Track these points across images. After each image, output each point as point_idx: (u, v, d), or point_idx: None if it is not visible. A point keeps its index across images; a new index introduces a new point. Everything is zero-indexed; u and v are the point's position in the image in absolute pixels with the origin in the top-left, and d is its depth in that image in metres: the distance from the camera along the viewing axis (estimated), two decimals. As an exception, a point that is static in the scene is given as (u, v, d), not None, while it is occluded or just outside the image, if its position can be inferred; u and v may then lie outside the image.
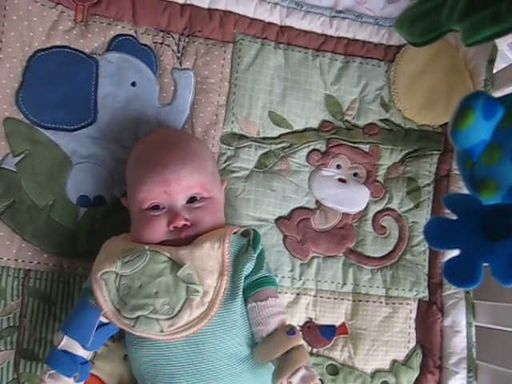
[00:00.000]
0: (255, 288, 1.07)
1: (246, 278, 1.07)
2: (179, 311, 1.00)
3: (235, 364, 1.05)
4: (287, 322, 1.05)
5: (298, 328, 1.27)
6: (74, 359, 1.04)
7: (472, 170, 0.78)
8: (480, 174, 0.77)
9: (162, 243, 1.06)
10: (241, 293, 1.06)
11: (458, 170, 0.84)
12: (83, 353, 1.06)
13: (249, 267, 1.07)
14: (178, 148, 1.12)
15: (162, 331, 1.00)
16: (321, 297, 1.30)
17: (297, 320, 1.28)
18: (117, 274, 1.03)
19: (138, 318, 1.00)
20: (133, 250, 1.04)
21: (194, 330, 1.01)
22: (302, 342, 1.04)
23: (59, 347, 1.04)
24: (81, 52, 1.25)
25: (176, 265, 1.02)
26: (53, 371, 1.03)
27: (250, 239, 1.11)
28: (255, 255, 1.08)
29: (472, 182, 0.79)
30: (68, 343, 1.04)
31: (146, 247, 1.03)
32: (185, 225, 1.06)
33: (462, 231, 0.82)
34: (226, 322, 1.04)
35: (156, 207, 1.08)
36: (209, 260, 1.04)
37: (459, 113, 0.74)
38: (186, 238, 1.06)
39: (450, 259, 0.82)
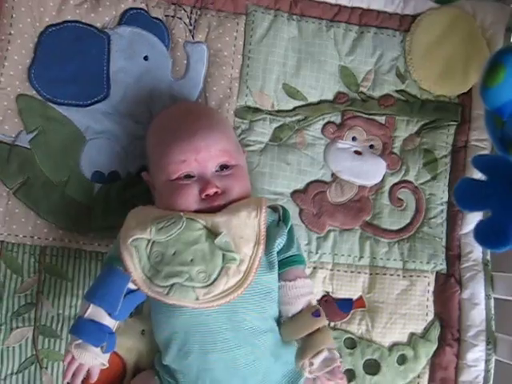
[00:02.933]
0: (285, 266, 1.07)
1: (277, 254, 1.06)
2: (215, 279, 0.99)
3: (259, 335, 1.04)
4: (314, 303, 1.06)
5: (316, 302, 1.26)
6: (102, 328, 1.00)
7: (503, 129, 0.76)
8: (511, 134, 0.75)
9: (195, 211, 1.05)
10: (275, 267, 1.05)
11: (487, 131, 0.82)
12: (110, 322, 1.01)
13: (280, 242, 1.06)
14: (203, 116, 1.12)
15: (197, 299, 0.99)
16: (338, 270, 1.29)
17: (314, 293, 1.26)
18: (148, 240, 1.01)
19: (172, 285, 0.99)
20: (167, 216, 1.02)
21: (229, 299, 1.00)
22: (326, 323, 1.05)
23: (85, 316, 1.00)
24: (92, 26, 1.24)
25: (211, 233, 1.01)
26: (79, 341, 0.98)
27: (279, 215, 1.10)
28: (286, 230, 1.08)
29: (502, 141, 0.77)
30: (94, 312, 1.00)
31: (182, 214, 1.02)
32: (216, 192, 1.05)
33: (492, 192, 0.81)
34: (260, 293, 1.04)
35: (186, 176, 1.07)
36: (245, 228, 1.03)
37: (490, 69, 0.72)
38: (218, 206, 1.05)
39: (481, 221, 0.81)
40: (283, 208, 1.12)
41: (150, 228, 1.00)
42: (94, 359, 1.00)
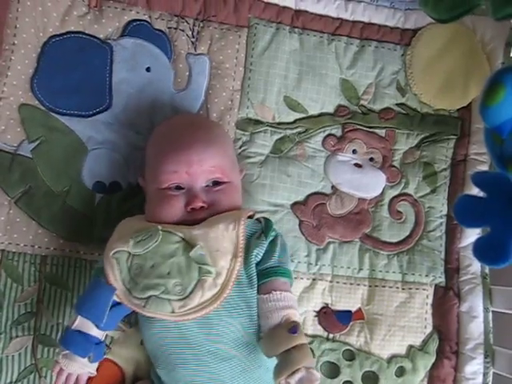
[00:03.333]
0: (262, 278, 1.05)
1: (257, 265, 1.05)
2: (191, 292, 0.99)
3: (241, 349, 1.04)
4: (294, 318, 1.00)
5: (314, 313, 1.27)
6: (88, 339, 1.02)
7: (502, 147, 0.77)
8: (510, 151, 0.76)
9: (177, 223, 1.06)
10: (254, 280, 1.04)
11: (486, 148, 0.82)
12: (97, 333, 1.04)
13: (258, 253, 1.05)
14: (201, 130, 1.13)
15: (173, 312, 1.00)
16: (337, 282, 1.29)
17: (313, 305, 1.27)
18: (129, 253, 1.02)
19: (149, 297, 1.00)
20: (145, 229, 1.04)
21: (205, 312, 1.00)
22: (305, 341, 0.99)
23: (73, 327, 1.03)
24: (95, 38, 1.24)
25: (189, 245, 1.01)
26: (67, 352, 1.02)
27: (262, 226, 1.10)
28: (266, 242, 1.06)
29: (501, 159, 0.78)
30: (81, 323, 1.02)
31: (159, 227, 1.03)
32: (202, 207, 1.06)
33: (491, 209, 0.82)
34: (238, 306, 1.03)
35: (176, 187, 1.08)
36: (223, 241, 1.03)
37: (489, 88, 0.73)
38: (202, 220, 1.06)
39: (480, 238, 0.81)
40: (265, 219, 1.11)
41: (129, 241, 1.02)
42: (81, 369, 1.03)
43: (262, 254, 1.05)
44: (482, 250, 0.82)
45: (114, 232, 1.08)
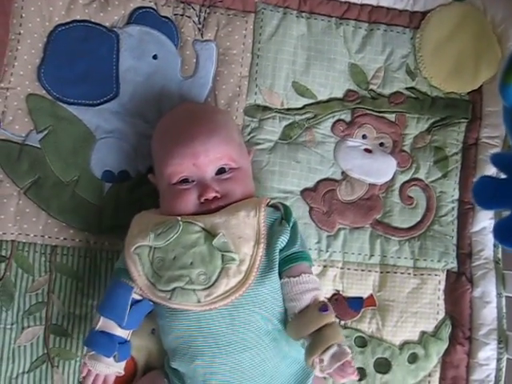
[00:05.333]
0: (289, 263, 1.05)
1: (280, 251, 1.05)
2: (216, 280, 0.99)
3: (263, 337, 1.04)
4: (321, 298, 1.02)
5: (326, 300, 1.26)
6: (112, 339, 1.04)
7: None
8: None
9: (194, 214, 1.06)
10: (276, 266, 1.04)
11: (505, 127, 0.81)
12: (121, 332, 1.06)
13: (283, 240, 1.05)
14: (204, 120, 1.12)
15: (199, 301, 1.00)
16: (348, 269, 1.28)
17: (324, 292, 1.24)
18: (150, 247, 1.03)
19: (174, 289, 1.00)
20: (165, 222, 1.03)
21: (231, 299, 1.00)
22: (335, 319, 1.01)
23: (97, 328, 1.04)
24: (101, 26, 1.24)
25: (210, 234, 1.01)
26: (92, 352, 1.04)
27: (281, 213, 1.09)
28: (289, 228, 1.07)
29: None
30: (105, 324, 1.04)
31: (179, 218, 1.02)
32: (215, 197, 1.06)
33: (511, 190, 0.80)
34: (261, 293, 1.03)
35: (185, 180, 1.07)
36: (245, 228, 1.03)
37: (509, 66, 0.71)
38: (217, 208, 1.06)
39: (500, 220, 0.79)
40: (284, 206, 1.11)
41: (149, 235, 1.02)
42: (108, 368, 1.05)
43: (286, 241, 1.06)
44: (502, 233, 0.80)
45: (131, 226, 1.08)
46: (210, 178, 1.07)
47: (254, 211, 1.05)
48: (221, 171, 1.08)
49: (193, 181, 1.07)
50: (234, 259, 1.00)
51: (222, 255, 1.00)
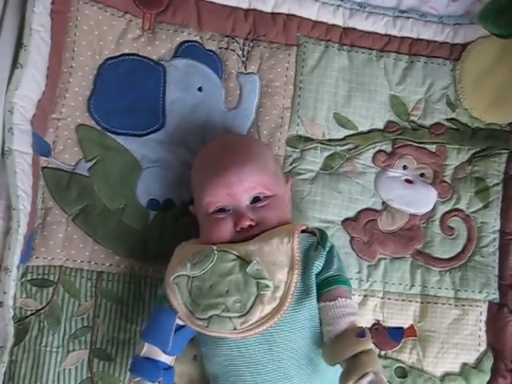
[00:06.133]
0: (325, 287, 1.06)
1: (317, 276, 1.06)
2: (251, 307, 1.01)
3: (303, 364, 1.05)
4: (359, 324, 1.02)
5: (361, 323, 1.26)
6: (157, 365, 1.05)
7: None
8: None
9: (231, 242, 1.08)
10: (313, 291, 1.05)
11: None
12: (165, 358, 1.07)
13: (318, 265, 1.06)
14: (237, 150, 1.14)
15: (235, 329, 1.01)
16: (388, 298, 1.29)
17: (364, 322, 1.26)
18: (188, 276, 1.05)
19: (210, 317, 1.02)
20: (201, 251, 1.06)
21: (267, 326, 1.01)
22: (372, 346, 1.00)
23: (141, 354, 1.05)
24: (149, 59, 1.28)
25: (245, 262, 1.03)
26: (138, 379, 1.05)
27: (317, 238, 1.10)
28: (324, 253, 1.07)
29: None
30: (149, 350, 1.05)
31: (214, 247, 1.05)
32: (250, 225, 1.07)
33: None
34: (298, 319, 1.04)
35: (221, 210, 1.10)
36: (278, 255, 1.04)
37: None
38: (252, 236, 1.07)
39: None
40: (320, 230, 1.12)
41: (186, 264, 1.04)
42: None
43: (322, 265, 1.06)
44: None
45: (172, 257, 1.11)
46: (245, 207, 1.09)
47: (287, 238, 1.06)
48: (256, 200, 1.10)
49: (229, 210, 1.09)
50: (268, 286, 1.01)
51: (257, 282, 1.01)
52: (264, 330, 1.01)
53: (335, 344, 1.01)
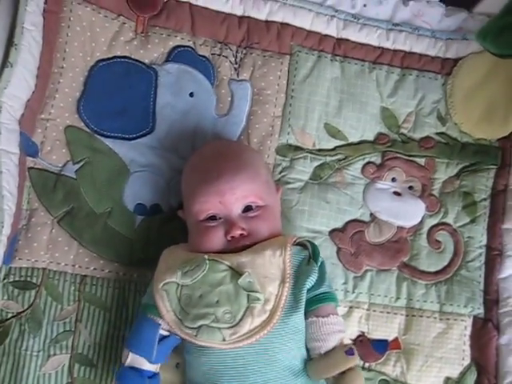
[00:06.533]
0: (317, 303, 1.06)
1: (308, 291, 1.06)
2: (241, 319, 1.00)
3: (287, 377, 1.04)
4: (345, 341, 1.05)
5: (350, 341, 1.26)
6: (142, 374, 1.05)
7: None
8: None
9: (220, 252, 1.07)
10: (302, 306, 1.05)
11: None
12: (150, 367, 1.07)
13: (311, 280, 1.06)
14: (230, 158, 1.13)
15: (224, 340, 1.00)
16: (374, 310, 1.28)
17: (349, 333, 1.26)
18: (178, 284, 1.04)
19: (200, 327, 1.01)
20: (192, 259, 1.05)
21: (256, 338, 1.00)
22: (358, 363, 1.04)
23: (126, 364, 1.05)
24: (141, 62, 1.27)
25: (236, 273, 1.02)
26: None
27: (309, 252, 1.10)
28: (317, 268, 1.07)
29: None
30: (134, 359, 1.05)
31: (206, 257, 1.04)
32: (241, 234, 1.07)
33: None
34: (286, 332, 1.03)
35: (212, 218, 1.09)
36: (270, 267, 1.04)
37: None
38: (243, 247, 1.07)
39: None
40: (312, 244, 1.12)
41: (176, 272, 1.03)
42: None
43: (314, 281, 1.06)
44: None
45: (160, 262, 1.10)
46: (237, 216, 1.08)
47: (279, 250, 1.05)
48: (247, 209, 1.09)
49: (220, 218, 1.08)
50: (258, 299, 1.01)
51: (248, 295, 1.01)
52: (253, 341, 1.01)
53: (324, 360, 1.02)
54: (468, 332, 1.29)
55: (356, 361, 1.02)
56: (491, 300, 1.30)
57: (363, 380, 1.03)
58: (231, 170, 1.09)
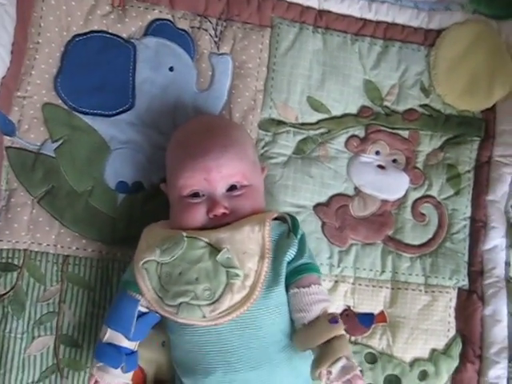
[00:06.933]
0: (298, 274, 1.05)
1: (288, 264, 1.05)
2: (220, 296, 0.99)
3: (272, 352, 1.04)
4: (330, 310, 1.04)
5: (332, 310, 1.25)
6: (119, 351, 1.05)
7: None
8: None
9: (200, 228, 1.06)
10: (282, 279, 1.04)
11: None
12: (128, 344, 1.06)
13: (291, 253, 1.05)
14: (218, 135, 1.11)
15: (204, 317, 1.00)
16: (359, 284, 1.28)
17: (335, 307, 1.26)
18: (157, 262, 1.03)
19: (180, 304, 1.00)
20: (171, 237, 1.03)
21: (236, 314, 1.00)
22: (344, 331, 1.01)
23: (104, 340, 1.05)
24: (118, 37, 1.24)
25: (215, 249, 1.01)
26: (100, 364, 1.05)
27: (289, 225, 1.09)
28: (297, 241, 1.06)
29: None
30: (112, 336, 1.05)
31: (184, 234, 1.02)
32: (224, 213, 1.05)
33: None
34: (268, 307, 1.03)
35: (196, 194, 1.07)
36: (249, 243, 1.03)
37: None
38: (225, 224, 1.05)
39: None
40: (292, 217, 1.11)
41: (155, 250, 1.02)
42: (115, 379, 1.06)
43: (294, 253, 1.05)
44: None
45: (140, 240, 1.08)
46: (221, 194, 1.07)
47: (258, 226, 1.04)
48: (232, 188, 1.08)
49: (203, 195, 1.07)
50: (237, 275, 1.00)
51: (227, 271, 1.00)
52: (234, 318, 1.00)
53: (308, 330, 1.01)
54: (453, 304, 1.30)
55: (341, 329, 0.99)
56: (476, 271, 1.31)
57: (349, 348, 1.01)
58: (219, 147, 1.07)
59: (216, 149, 1.07)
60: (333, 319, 1.00)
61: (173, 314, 1.01)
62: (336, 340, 0.98)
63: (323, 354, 0.97)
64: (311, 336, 1.00)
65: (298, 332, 1.03)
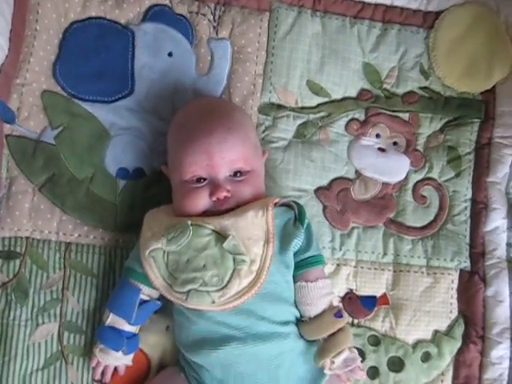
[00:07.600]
0: (305, 267, 1.08)
1: (295, 254, 1.07)
2: (228, 281, 1.01)
3: (279, 335, 1.05)
4: (334, 303, 1.09)
5: (339, 299, 1.26)
6: (121, 334, 1.09)
7: None
8: None
9: (204, 214, 1.06)
10: (289, 264, 1.07)
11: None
12: (130, 328, 1.10)
13: (297, 243, 1.07)
14: (221, 116, 1.11)
15: (213, 302, 1.01)
16: (361, 267, 1.28)
17: (337, 291, 1.26)
18: (164, 250, 1.03)
19: (189, 291, 1.01)
20: (176, 225, 1.04)
21: (244, 299, 1.01)
22: (348, 324, 1.07)
23: (106, 324, 1.09)
24: (116, 23, 1.24)
25: (220, 236, 1.02)
26: (102, 346, 1.09)
27: (295, 213, 1.10)
28: (303, 230, 1.08)
29: None
30: (114, 320, 1.09)
31: (189, 222, 1.03)
32: (226, 196, 1.05)
33: None
34: (275, 291, 1.05)
35: (198, 179, 1.07)
36: (254, 229, 1.03)
37: None
38: (227, 209, 1.06)
39: None
40: (298, 205, 1.11)
41: (161, 239, 1.03)
42: (116, 361, 1.11)
43: (300, 244, 1.08)
44: None
45: (144, 228, 1.09)
46: (223, 178, 1.07)
47: (261, 211, 1.05)
48: (235, 173, 1.08)
49: (205, 179, 1.07)
50: (244, 261, 1.01)
51: (233, 257, 1.01)
52: (241, 302, 1.01)
53: (313, 323, 1.07)
54: (455, 285, 1.30)
55: (345, 322, 1.07)
56: (477, 253, 1.31)
57: (352, 339, 1.08)
58: (222, 128, 1.07)
59: (219, 129, 1.07)
60: (338, 313, 1.07)
61: (182, 301, 1.02)
62: (340, 332, 1.06)
63: (327, 346, 1.05)
64: (317, 329, 1.07)
65: (305, 324, 1.08)
